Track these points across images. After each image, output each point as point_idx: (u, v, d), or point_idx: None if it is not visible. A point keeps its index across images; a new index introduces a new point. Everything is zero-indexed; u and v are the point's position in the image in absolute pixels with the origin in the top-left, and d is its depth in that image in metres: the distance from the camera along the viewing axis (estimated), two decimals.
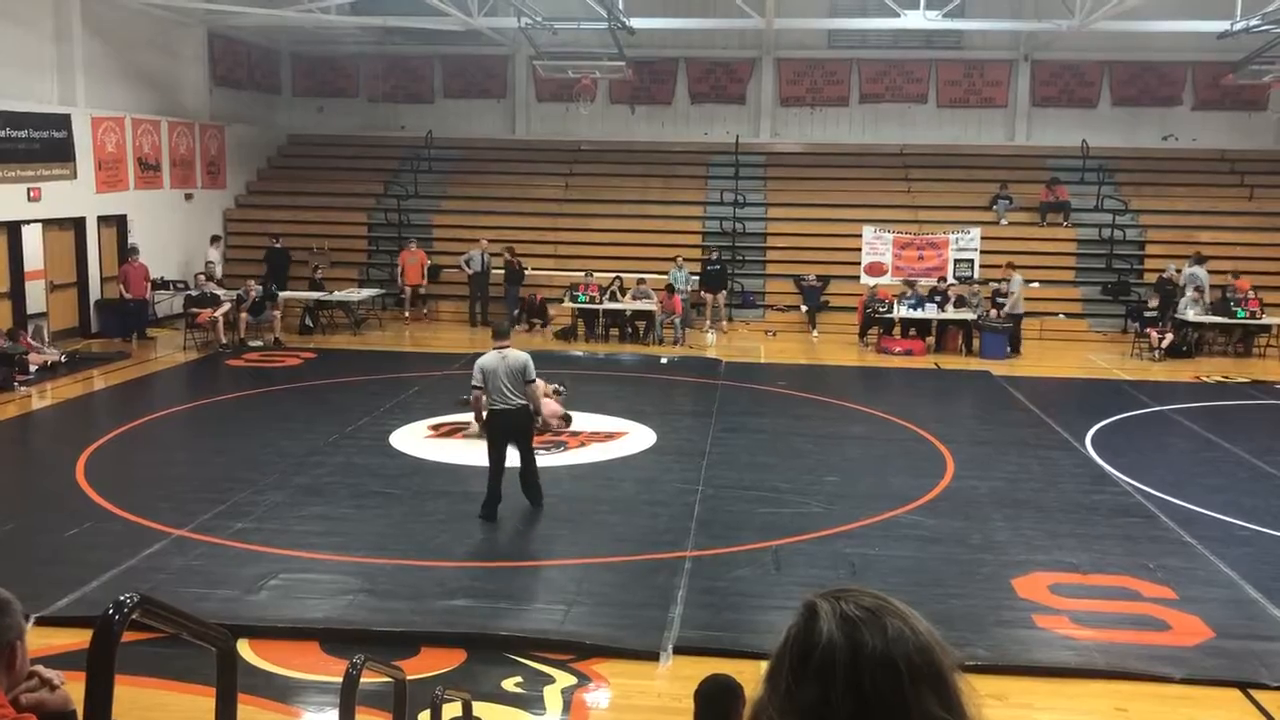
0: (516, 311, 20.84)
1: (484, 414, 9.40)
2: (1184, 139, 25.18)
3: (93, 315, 19.24)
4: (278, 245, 21.94)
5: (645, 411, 13.76)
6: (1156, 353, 18.68)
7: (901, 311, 19.61)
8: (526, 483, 9.54)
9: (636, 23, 20.61)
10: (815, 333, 20.93)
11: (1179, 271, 20.54)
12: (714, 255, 21.71)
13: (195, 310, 18.56)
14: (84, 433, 12.39)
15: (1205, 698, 6.49)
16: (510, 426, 9.33)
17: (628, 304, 20.20)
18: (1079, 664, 6.80)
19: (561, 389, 13.65)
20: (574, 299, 20.21)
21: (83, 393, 14.98)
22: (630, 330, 20.26)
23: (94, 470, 10.73)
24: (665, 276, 20.60)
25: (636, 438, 12.52)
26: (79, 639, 5.26)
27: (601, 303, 20.16)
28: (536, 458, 9.74)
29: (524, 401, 9.33)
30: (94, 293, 19.32)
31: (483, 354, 9.47)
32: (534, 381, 9.39)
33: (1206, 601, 7.77)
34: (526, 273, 21.67)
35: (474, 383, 9.34)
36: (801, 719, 1.34)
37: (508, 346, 9.47)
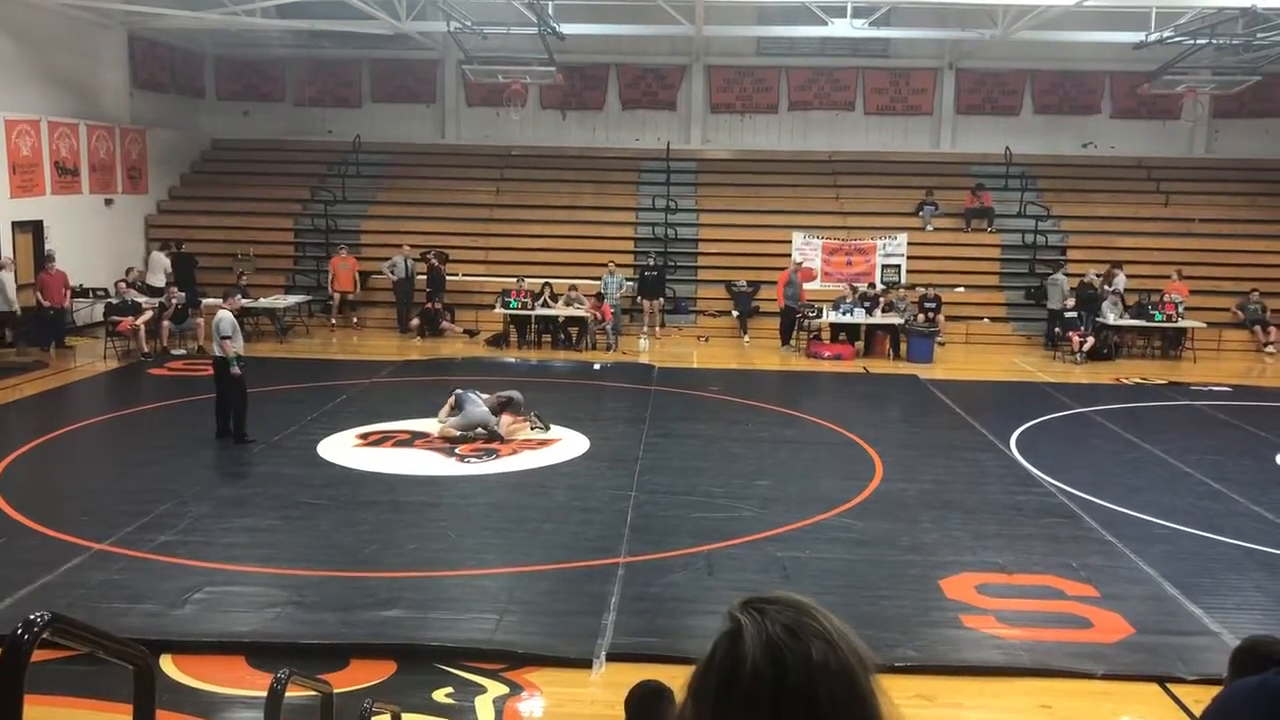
0: (416, 322, 20.64)
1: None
2: (1103, 146, 25.86)
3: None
4: (179, 250, 21.49)
5: (578, 418, 13.73)
6: (1078, 356, 19.11)
7: (831, 317, 19.83)
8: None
9: (567, 29, 20.58)
10: (747, 338, 21.07)
11: (1099, 277, 21.05)
12: (652, 261, 21.75)
13: (116, 318, 18.09)
14: None
15: (1125, 693, 6.64)
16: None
17: (560, 310, 20.14)
18: (1005, 663, 6.92)
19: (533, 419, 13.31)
20: (506, 305, 20.09)
21: None
22: (563, 337, 20.20)
23: (9, 484, 10.40)
24: (597, 283, 20.59)
25: (569, 444, 12.49)
26: None
27: (533, 309, 20.07)
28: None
29: None
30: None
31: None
32: (228, 337, 11.82)
33: (1127, 599, 7.96)
34: (452, 277, 21.48)
35: (225, 334, 11.73)
36: None
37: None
